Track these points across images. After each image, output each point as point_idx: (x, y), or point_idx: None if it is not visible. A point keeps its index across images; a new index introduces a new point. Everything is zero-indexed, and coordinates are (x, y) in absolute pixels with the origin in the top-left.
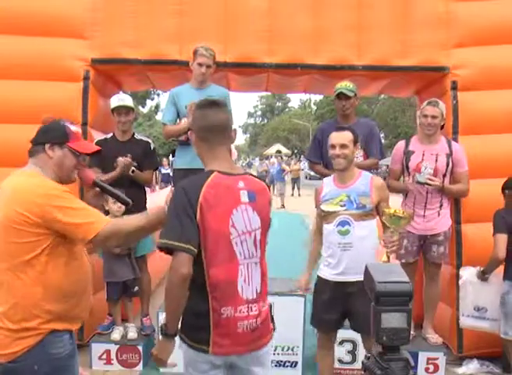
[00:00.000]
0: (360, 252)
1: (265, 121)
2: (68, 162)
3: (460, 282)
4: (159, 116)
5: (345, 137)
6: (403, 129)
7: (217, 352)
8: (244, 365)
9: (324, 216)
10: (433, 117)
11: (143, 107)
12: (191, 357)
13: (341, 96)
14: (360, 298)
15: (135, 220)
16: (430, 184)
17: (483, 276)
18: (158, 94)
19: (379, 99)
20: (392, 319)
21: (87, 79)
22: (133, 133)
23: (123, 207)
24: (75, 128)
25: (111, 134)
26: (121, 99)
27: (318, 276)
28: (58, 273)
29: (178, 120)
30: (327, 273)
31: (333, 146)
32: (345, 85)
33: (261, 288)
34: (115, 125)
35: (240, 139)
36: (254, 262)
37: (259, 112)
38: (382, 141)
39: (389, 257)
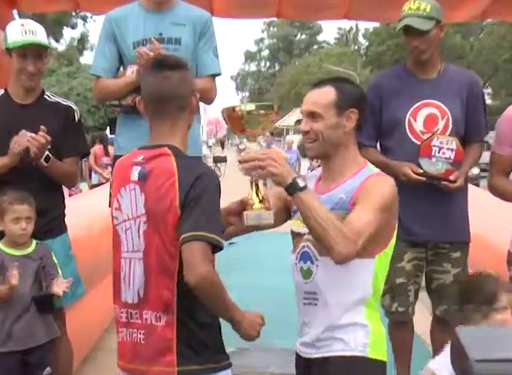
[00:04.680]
0: (329, 310)
1: (276, 68)
2: None
3: None
4: (87, 59)
5: (319, 97)
6: None
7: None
8: None
9: (292, 238)
10: None
11: (57, 41)
12: None
13: (409, 31)
14: None
15: None
16: None
17: None
18: (85, 19)
19: (482, 26)
20: None
21: None
22: (43, 91)
23: (29, 228)
24: None
25: (1, 92)
26: (29, 31)
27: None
28: None
29: (121, 69)
30: (298, 341)
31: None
32: (416, 8)
33: (145, 293)
34: (10, 76)
35: (234, 101)
36: (138, 257)
37: (266, 52)
38: (487, 101)
39: (262, 199)
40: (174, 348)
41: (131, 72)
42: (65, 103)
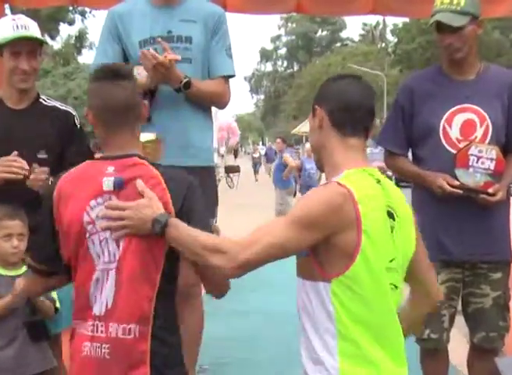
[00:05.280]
0: (304, 338)
1: (295, 68)
2: None
3: None
4: (86, 59)
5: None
6: None
7: None
8: None
9: None
10: None
11: (52, 38)
12: None
13: (442, 28)
14: None
15: None
16: None
17: None
18: (83, 14)
19: None
20: None
21: None
22: (38, 95)
23: (22, 246)
24: None
25: None
26: (21, 26)
27: None
28: None
29: None
30: None
31: None
32: (449, 2)
33: (113, 304)
34: (2, 79)
35: (247, 104)
36: (113, 267)
37: (283, 50)
38: None
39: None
40: (147, 360)
41: (137, 74)
42: (63, 108)
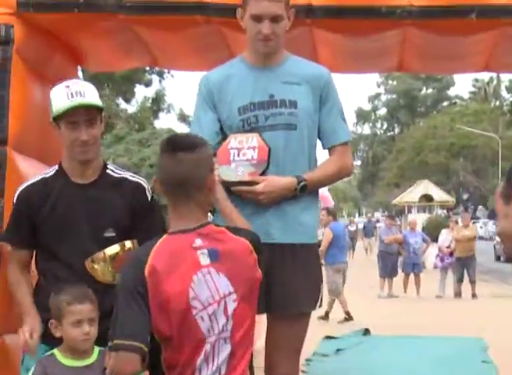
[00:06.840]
0: None
1: (396, 130)
2: None
3: None
4: (163, 123)
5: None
6: None
7: None
8: None
9: None
10: None
11: (127, 101)
12: None
13: None
14: None
15: None
16: None
17: None
18: (161, 75)
19: None
20: None
21: (8, 43)
22: (105, 165)
23: (93, 332)
24: None
25: (54, 169)
26: (75, 92)
27: None
28: None
29: (221, 140)
30: None
31: None
32: None
33: (226, 370)
34: (63, 152)
35: None
36: (224, 337)
37: (382, 111)
38: None
39: None
40: None
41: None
42: (133, 179)
